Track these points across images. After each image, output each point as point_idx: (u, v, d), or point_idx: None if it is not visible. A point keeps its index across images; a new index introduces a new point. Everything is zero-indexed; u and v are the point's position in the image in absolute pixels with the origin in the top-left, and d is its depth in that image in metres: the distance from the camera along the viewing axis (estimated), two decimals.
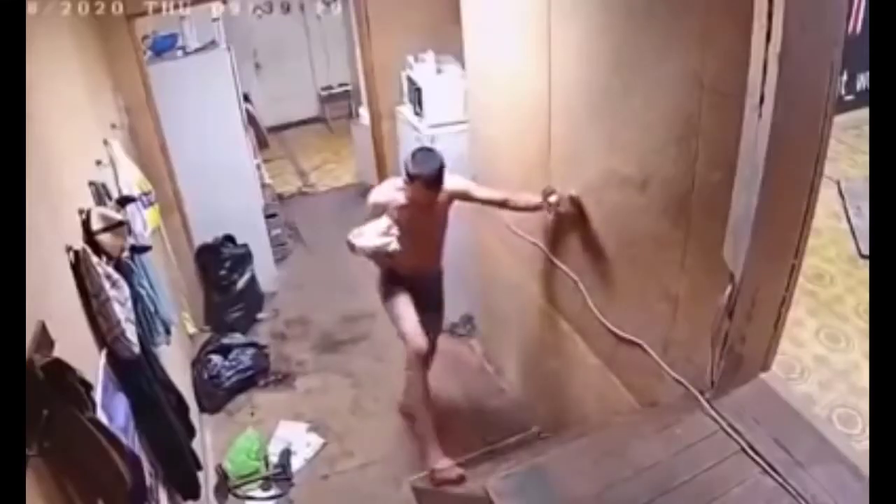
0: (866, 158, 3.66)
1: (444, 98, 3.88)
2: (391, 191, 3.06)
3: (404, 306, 3.18)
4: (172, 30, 4.24)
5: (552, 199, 2.83)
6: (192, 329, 4.40)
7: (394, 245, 2.95)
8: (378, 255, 3.01)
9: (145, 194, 3.27)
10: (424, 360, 3.22)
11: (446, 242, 3.33)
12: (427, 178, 2.89)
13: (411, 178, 2.90)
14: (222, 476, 3.54)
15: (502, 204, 3.11)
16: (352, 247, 3.00)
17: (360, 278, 5.01)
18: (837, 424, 2.37)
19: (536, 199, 2.93)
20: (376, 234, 2.95)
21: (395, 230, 2.96)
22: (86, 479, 1.51)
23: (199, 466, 2.69)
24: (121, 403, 2.00)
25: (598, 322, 2.72)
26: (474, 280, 4.15)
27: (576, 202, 2.77)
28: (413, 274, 3.21)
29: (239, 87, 4.62)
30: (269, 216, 5.12)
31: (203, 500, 2.86)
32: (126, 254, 2.37)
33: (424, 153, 2.98)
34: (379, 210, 3.04)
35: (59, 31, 2.63)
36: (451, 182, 3.07)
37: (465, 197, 3.14)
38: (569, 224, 2.87)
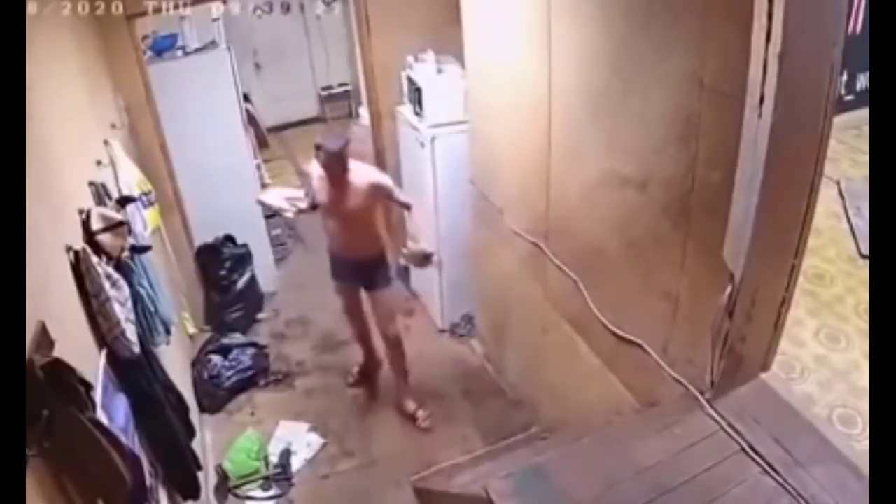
0: (866, 158, 3.66)
1: (444, 98, 3.88)
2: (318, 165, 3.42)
3: (335, 281, 3.79)
4: (172, 30, 4.24)
5: (406, 249, 3.38)
6: (192, 329, 4.40)
7: (288, 214, 3.48)
8: (275, 211, 3.63)
9: (145, 194, 3.27)
10: (351, 315, 3.91)
11: (394, 233, 3.79)
12: (326, 151, 3.23)
13: (316, 149, 3.29)
14: (222, 476, 3.54)
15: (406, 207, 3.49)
16: (259, 201, 3.73)
17: None
18: (837, 424, 2.37)
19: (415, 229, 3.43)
20: (283, 197, 3.48)
21: (301, 204, 3.45)
22: (86, 479, 1.51)
23: (199, 466, 2.69)
24: (121, 403, 2.00)
25: (599, 322, 2.72)
26: (474, 280, 4.16)
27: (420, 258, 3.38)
28: (346, 255, 3.59)
29: (239, 87, 4.62)
30: (269, 216, 5.12)
31: (203, 500, 2.86)
32: (126, 254, 2.37)
33: (334, 133, 3.45)
34: (308, 179, 3.47)
35: (59, 31, 2.63)
36: (370, 174, 3.45)
37: (386, 194, 3.45)
38: (569, 224, 2.87)
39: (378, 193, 3.43)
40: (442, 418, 3.85)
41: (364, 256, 3.58)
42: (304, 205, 3.46)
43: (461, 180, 3.88)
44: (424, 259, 3.43)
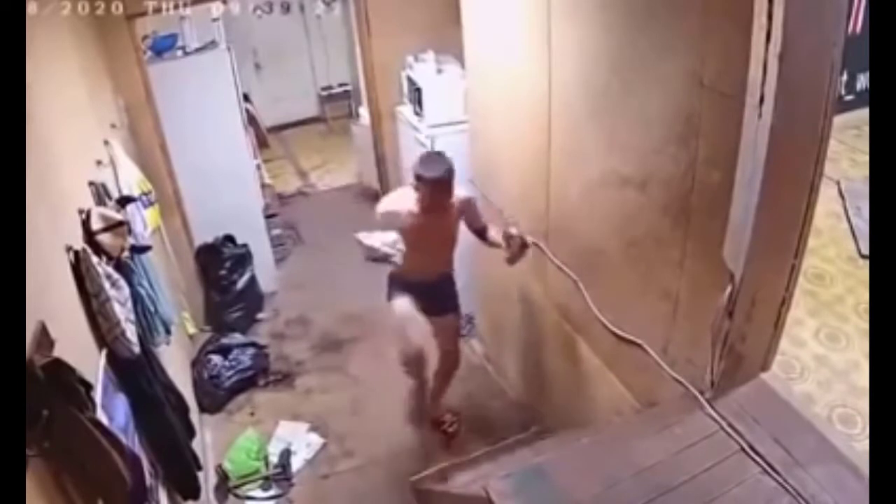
0: (866, 158, 3.66)
1: (444, 98, 3.88)
2: (401, 199, 3.02)
3: (399, 307, 3.21)
4: (172, 30, 4.24)
5: (512, 230, 2.91)
6: (192, 329, 4.40)
7: (396, 259, 2.94)
8: (379, 257, 2.98)
9: (145, 194, 3.27)
10: (415, 361, 3.28)
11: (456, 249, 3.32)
12: (432, 180, 2.85)
13: (418, 180, 2.88)
14: (222, 476, 3.54)
15: (481, 232, 3.15)
16: (359, 242, 2.99)
17: (360, 278, 5.01)
18: (837, 424, 2.37)
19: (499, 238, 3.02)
20: (383, 242, 2.93)
21: (401, 245, 2.93)
22: (86, 479, 1.51)
23: (199, 466, 2.69)
24: (121, 403, 2.00)
25: (599, 322, 2.72)
26: (474, 280, 4.15)
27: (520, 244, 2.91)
28: (417, 279, 3.19)
29: (239, 87, 4.62)
30: (269, 216, 5.12)
31: (203, 500, 2.86)
32: (126, 254, 2.37)
33: (432, 156, 2.97)
34: (389, 219, 2.98)
35: (59, 31, 2.63)
36: (465, 193, 3.08)
37: (474, 209, 3.12)
38: (569, 224, 2.87)
39: (468, 209, 3.11)
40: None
41: (440, 279, 3.28)
42: (402, 248, 2.99)
43: (461, 180, 3.87)
44: (524, 247, 2.94)
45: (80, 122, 2.72)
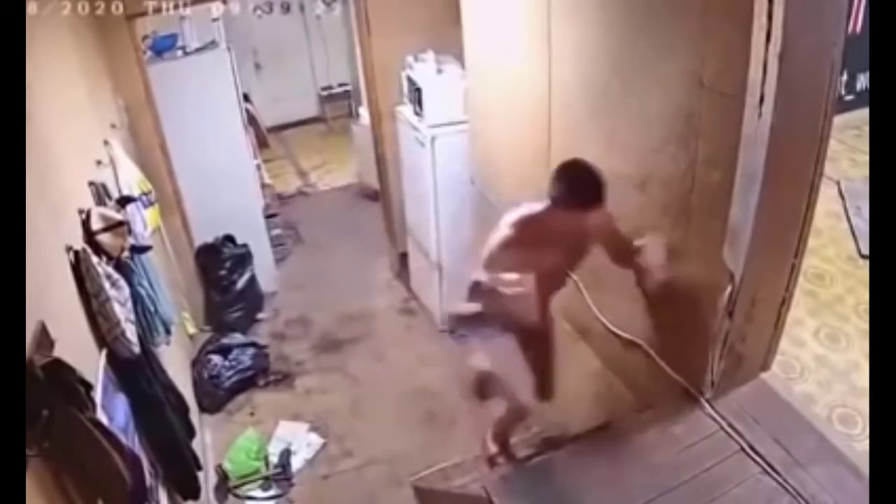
0: (866, 158, 3.66)
1: (444, 98, 3.87)
2: (504, 229, 2.26)
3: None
4: (172, 30, 4.24)
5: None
6: (192, 329, 4.40)
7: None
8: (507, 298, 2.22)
9: (145, 194, 3.27)
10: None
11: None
12: (574, 192, 2.06)
13: (554, 200, 2.13)
14: (222, 476, 3.54)
15: (640, 273, 2.34)
16: (478, 282, 2.36)
17: (360, 278, 5.03)
18: (837, 424, 2.37)
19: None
20: (508, 281, 2.23)
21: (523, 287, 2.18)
22: (86, 479, 1.51)
23: (199, 466, 2.69)
24: (121, 403, 2.00)
25: (599, 322, 2.72)
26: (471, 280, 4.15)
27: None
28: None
29: (239, 87, 4.62)
30: (269, 216, 5.12)
31: (203, 500, 2.86)
32: (126, 254, 2.37)
33: (571, 164, 2.16)
34: (495, 259, 2.28)
35: (59, 31, 2.63)
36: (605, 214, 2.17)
37: (612, 242, 2.29)
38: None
39: (604, 243, 2.33)
40: (442, 419, 3.85)
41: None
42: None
43: (461, 180, 3.88)
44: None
45: (80, 122, 2.72)
